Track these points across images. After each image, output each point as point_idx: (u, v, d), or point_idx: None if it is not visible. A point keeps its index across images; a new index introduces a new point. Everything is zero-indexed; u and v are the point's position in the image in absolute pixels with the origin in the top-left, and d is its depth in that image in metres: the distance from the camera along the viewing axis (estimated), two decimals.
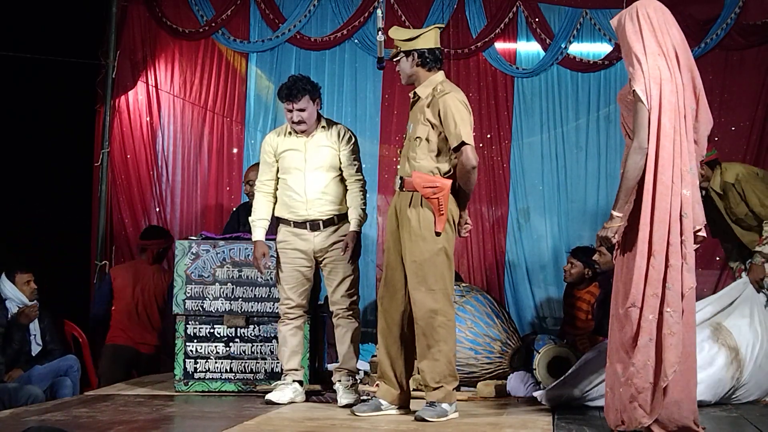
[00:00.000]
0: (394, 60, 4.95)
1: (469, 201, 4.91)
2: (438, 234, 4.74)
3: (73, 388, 6.23)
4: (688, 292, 4.13)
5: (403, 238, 4.84)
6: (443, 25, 5.09)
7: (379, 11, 5.34)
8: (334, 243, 5.35)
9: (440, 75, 4.93)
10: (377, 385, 5.14)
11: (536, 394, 5.20)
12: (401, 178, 4.87)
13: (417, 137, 4.85)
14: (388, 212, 5.02)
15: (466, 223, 4.92)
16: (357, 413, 4.87)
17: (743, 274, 5.79)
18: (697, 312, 5.04)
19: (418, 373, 4.94)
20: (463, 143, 4.71)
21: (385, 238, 5.28)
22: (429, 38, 4.89)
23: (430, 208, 4.75)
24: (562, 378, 5.19)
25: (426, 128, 4.82)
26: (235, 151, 7.79)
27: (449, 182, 4.77)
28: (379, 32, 4.99)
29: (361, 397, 5.24)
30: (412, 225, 4.78)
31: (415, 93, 4.92)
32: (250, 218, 5.51)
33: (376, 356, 5.76)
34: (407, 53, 4.89)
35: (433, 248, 4.74)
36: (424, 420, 4.67)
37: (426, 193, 4.74)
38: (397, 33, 4.96)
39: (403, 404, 4.94)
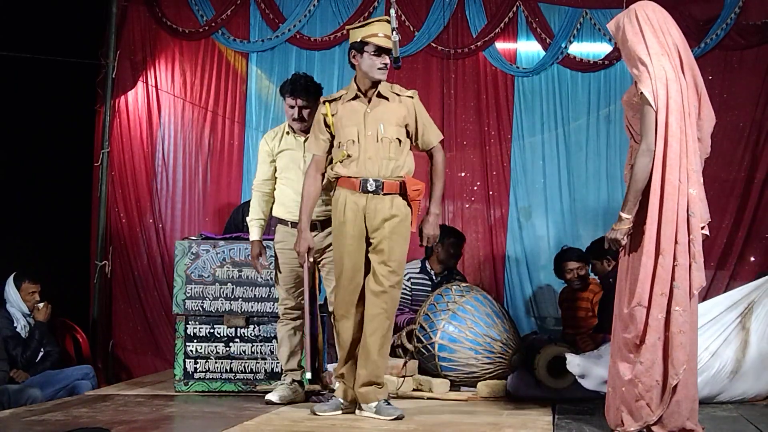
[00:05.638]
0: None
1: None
2: None
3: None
4: (697, 291, 4.14)
5: None
6: (374, 19, 5.00)
7: (393, 10, 5.30)
8: (332, 243, 5.34)
9: None
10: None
11: (568, 356, 5.17)
12: None
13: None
14: None
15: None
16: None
17: None
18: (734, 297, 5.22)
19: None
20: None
21: None
22: (353, 35, 4.92)
23: None
24: (597, 350, 5.18)
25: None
26: (235, 151, 7.78)
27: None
28: (394, 32, 4.98)
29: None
30: None
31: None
32: (247, 218, 5.51)
33: None
34: None
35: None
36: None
37: None
38: None
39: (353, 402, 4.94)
